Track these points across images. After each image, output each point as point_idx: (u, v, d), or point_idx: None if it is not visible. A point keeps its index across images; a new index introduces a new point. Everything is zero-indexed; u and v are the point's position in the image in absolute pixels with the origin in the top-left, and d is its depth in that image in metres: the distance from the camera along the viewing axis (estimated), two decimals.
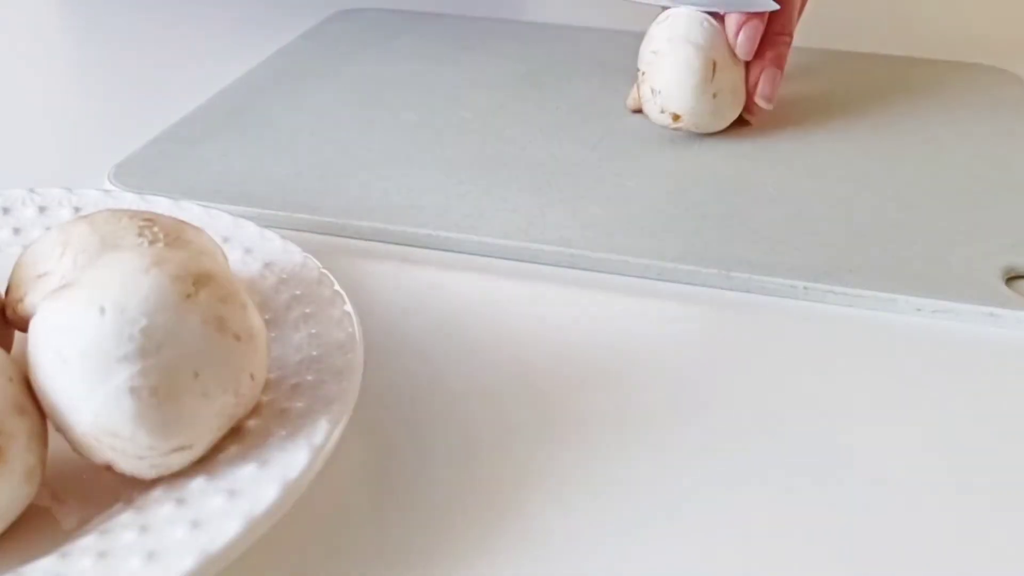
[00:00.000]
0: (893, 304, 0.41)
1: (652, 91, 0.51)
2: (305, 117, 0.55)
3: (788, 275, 0.42)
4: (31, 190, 0.41)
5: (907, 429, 0.35)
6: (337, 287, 0.36)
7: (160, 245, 0.32)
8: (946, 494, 0.32)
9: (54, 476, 0.29)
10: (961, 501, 0.32)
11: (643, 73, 0.52)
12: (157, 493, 0.28)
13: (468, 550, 0.30)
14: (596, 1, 0.71)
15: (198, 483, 0.28)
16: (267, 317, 0.35)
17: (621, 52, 0.62)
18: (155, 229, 0.33)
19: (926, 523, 0.31)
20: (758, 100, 0.52)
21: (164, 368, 0.27)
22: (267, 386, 0.32)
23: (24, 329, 0.31)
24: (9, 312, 0.33)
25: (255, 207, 0.46)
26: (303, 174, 0.49)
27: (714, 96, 0.51)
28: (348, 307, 0.35)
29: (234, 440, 0.29)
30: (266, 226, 0.40)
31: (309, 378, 0.32)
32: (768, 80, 0.52)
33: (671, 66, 0.50)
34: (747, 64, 0.52)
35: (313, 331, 0.34)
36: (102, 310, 0.27)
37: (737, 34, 0.51)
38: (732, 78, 0.51)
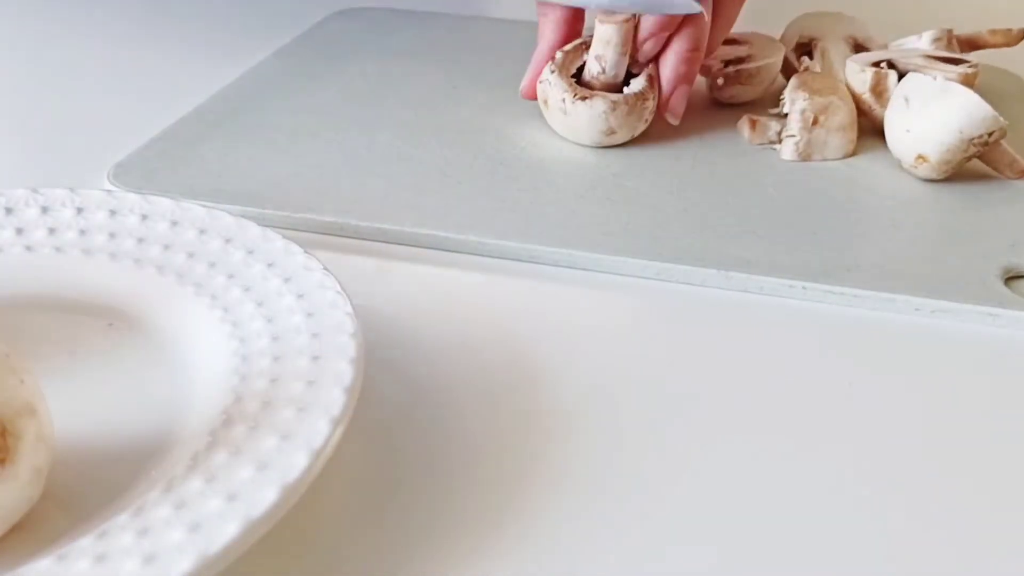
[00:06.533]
0: (892, 304, 0.41)
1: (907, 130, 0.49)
2: (305, 117, 0.55)
3: (787, 275, 0.42)
4: (34, 190, 0.41)
5: (906, 428, 0.35)
6: (339, 289, 0.36)
7: None
8: (945, 494, 0.32)
9: (53, 477, 0.29)
10: (960, 501, 0.32)
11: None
12: (155, 496, 0.28)
13: (469, 551, 0.30)
14: None
15: (196, 486, 0.28)
16: (269, 318, 0.35)
17: None
18: None
19: (925, 522, 0.31)
20: (668, 117, 0.53)
21: None
22: (268, 388, 0.32)
23: None
24: None
25: (255, 207, 0.46)
26: (303, 174, 0.49)
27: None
28: (349, 309, 0.35)
29: (233, 443, 0.29)
30: (266, 226, 0.40)
31: (309, 380, 0.32)
32: (680, 98, 0.52)
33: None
34: (658, 73, 0.52)
35: (314, 333, 0.34)
36: None
37: (643, 45, 0.52)
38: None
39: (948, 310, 0.41)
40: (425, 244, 0.45)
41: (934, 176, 0.49)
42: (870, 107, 0.53)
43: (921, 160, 0.48)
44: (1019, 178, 0.50)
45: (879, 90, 0.52)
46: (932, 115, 0.47)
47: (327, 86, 0.59)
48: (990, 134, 0.47)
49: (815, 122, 0.51)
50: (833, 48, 0.57)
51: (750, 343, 0.39)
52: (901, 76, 0.51)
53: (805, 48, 0.58)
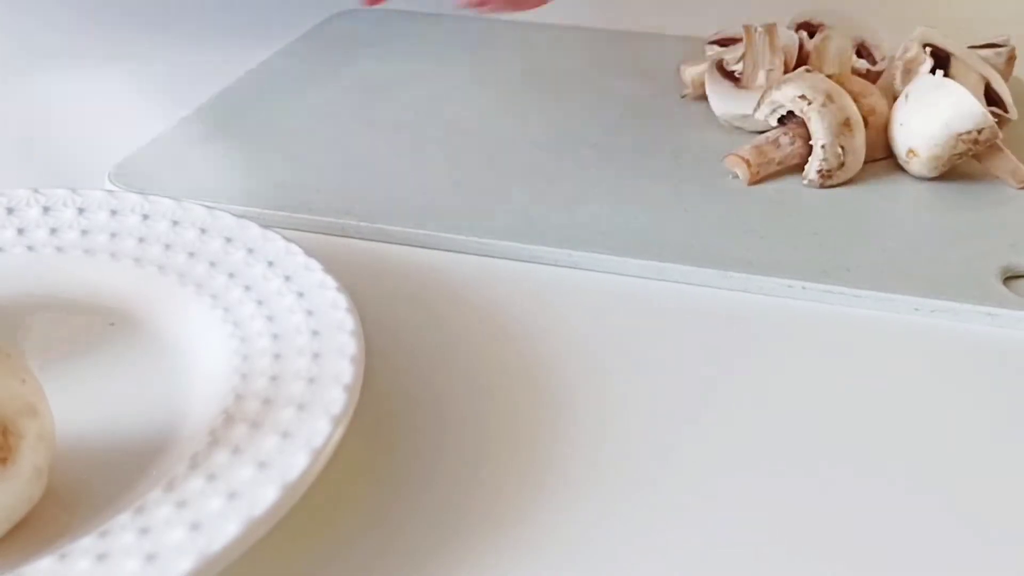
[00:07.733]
0: (891, 304, 0.41)
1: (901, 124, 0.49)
2: (305, 117, 0.55)
3: (786, 275, 0.42)
4: (35, 190, 0.41)
5: (905, 428, 0.35)
6: (339, 288, 0.36)
7: None
8: (945, 493, 0.32)
9: (54, 476, 0.29)
10: (959, 501, 0.32)
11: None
12: (156, 495, 0.28)
13: (470, 551, 0.30)
14: (595, 1, 0.71)
15: (197, 485, 0.28)
16: (269, 317, 0.35)
17: (620, 52, 0.62)
18: None
19: (924, 522, 0.31)
20: None
21: None
22: (268, 387, 0.32)
23: None
24: None
25: (255, 207, 0.46)
26: (303, 174, 0.49)
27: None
28: (349, 308, 0.35)
29: (233, 442, 0.29)
30: (266, 226, 0.40)
31: (310, 379, 0.32)
32: None
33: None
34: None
35: (314, 332, 0.34)
36: None
37: None
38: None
39: (947, 310, 0.41)
40: (425, 244, 0.45)
41: (926, 172, 0.49)
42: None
43: (912, 154, 0.48)
44: (1022, 187, 0.49)
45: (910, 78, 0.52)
46: (922, 110, 0.48)
47: (328, 86, 0.59)
48: (980, 131, 0.47)
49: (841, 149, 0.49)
50: (838, 38, 0.56)
51: (749, 343, 0.39)
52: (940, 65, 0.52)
53: (806, 26, 0.58)
